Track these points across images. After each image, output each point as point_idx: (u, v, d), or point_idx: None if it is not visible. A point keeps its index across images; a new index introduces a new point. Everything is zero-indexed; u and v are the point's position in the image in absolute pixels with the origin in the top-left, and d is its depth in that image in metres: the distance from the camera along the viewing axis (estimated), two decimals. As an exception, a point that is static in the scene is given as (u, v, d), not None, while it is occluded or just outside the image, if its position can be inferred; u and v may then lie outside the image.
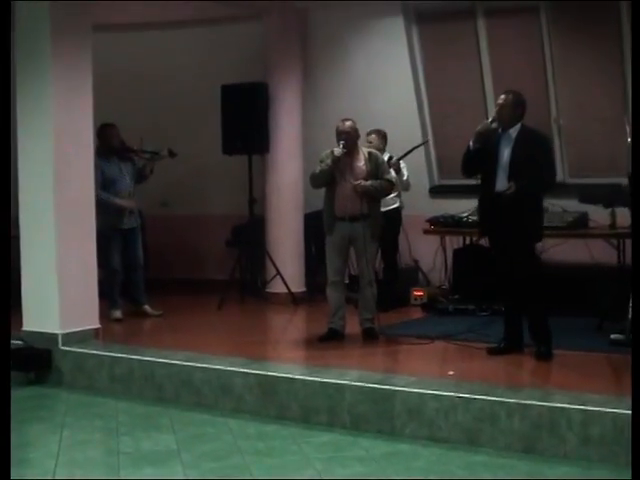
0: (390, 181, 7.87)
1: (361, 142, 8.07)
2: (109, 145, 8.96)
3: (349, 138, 7.61)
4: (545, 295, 6.91)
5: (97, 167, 8.37)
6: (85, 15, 7.78)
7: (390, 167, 8.73)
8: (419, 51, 10.21)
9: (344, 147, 7.55)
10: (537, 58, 9.55)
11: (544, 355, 6.84)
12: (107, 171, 8.84)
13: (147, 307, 9.29)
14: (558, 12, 9.31)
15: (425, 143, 10.07)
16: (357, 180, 7.59)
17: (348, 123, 7.67)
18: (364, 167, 7.68)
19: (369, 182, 7.60)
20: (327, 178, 7.64)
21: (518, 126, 6.92)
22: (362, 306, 7.85)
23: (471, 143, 6.94)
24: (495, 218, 6.92)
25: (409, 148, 9.32)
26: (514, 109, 6.92)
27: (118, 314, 8.96)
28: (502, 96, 6.98)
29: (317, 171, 7.67)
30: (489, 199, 6.96)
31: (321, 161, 7.68)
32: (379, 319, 7.85)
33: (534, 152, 6.83)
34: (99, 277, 8.21)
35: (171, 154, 9.32)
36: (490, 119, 6.96)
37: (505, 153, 6.88)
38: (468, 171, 7.26)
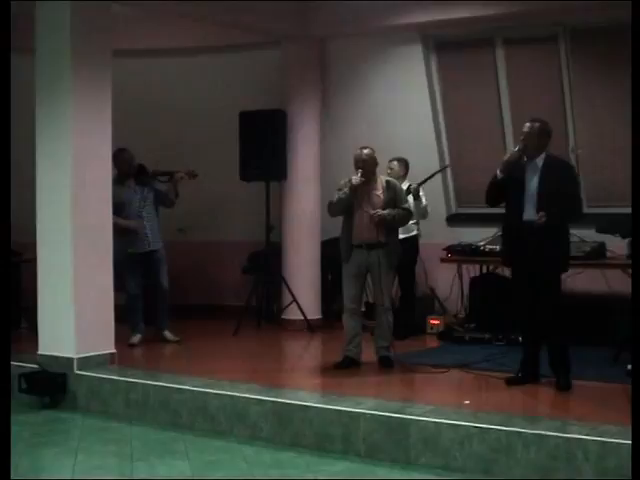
0: (408, 210, 7.86)
1: (382, 169, 8.05)
2: (120, 169, 8.92)
3: (367, 166, 7.60)
4: (566, 326, 6.86)
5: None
6: (105, 41, 7.83)
7: (409, 193, 8.71)
8: (437, 80, 10.22)
9: (362, 175, 7.54)
10: (555, 87, 9.55)
11: (564, 386, 6.78)
12: (117, 195, 8.52)
13: (167, 333, 9.26)
14: (577, 41, 9.32)
15: (446, 168, 10.08)
16: (375, 209, 7.57)
17: (366, 151, 7.67)
18: (382, 196, 7.67)
19: (386, 211, 7.59)
20: (345, 206, 7.64)
21: (543, 155, 6.88)
22: (378, 334, 7.82)
23: (498, 172, 6.88)
24: (521, 247, 6.83)
25: (428, 174, 9.27)
26: (540, 138, 6.86)
27: (135, 340, 8.97)
28: (527, 124, 6.89)
29: (335, 199, 7.67)
30: (515, 228, 6.89)
31: (339, 189, 7.67)
32: (395, 347, 7.82)
33: (562, 181, 6.80)
34: (121, 302, 8.19)
35: (190, 175, 9.24)
36: (517, 148, 6.88)
37: (532, 182, 6.81)
38: (493, 200, 7.14)
